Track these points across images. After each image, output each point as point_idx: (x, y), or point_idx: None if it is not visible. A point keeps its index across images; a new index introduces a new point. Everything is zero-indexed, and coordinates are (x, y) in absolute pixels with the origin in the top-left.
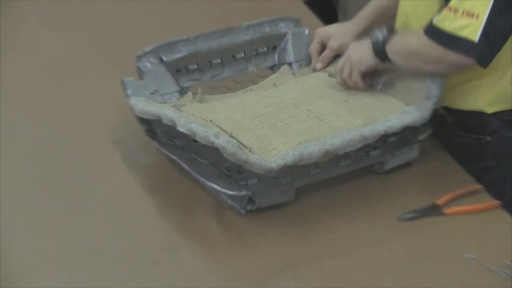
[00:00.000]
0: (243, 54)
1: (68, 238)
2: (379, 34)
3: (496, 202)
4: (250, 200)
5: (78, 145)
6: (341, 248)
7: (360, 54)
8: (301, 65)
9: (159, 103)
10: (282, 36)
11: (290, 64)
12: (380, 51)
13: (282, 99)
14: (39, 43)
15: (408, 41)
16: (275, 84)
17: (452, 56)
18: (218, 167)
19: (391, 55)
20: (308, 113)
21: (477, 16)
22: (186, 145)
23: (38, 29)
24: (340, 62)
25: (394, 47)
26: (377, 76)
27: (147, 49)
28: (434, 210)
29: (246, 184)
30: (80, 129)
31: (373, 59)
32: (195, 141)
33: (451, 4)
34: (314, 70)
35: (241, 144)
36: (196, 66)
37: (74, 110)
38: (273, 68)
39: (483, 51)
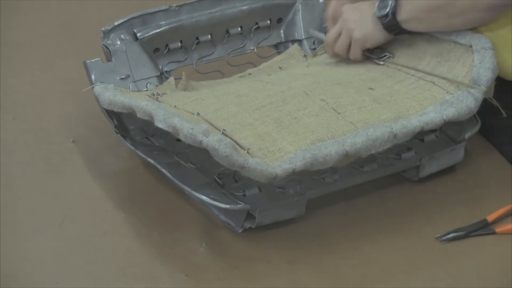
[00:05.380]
0: (239, 29)
1: (13, 268)
2: (384, 3)
3: None
4: (249, 216)
5: (27, 146)
6: (365, 278)
7: (365, 29)
8: (314, 43)
9: (132, 91)
10: (290, 6)
11: (299, 42)
12: (392, 25)
13: (290, 87)
14: None
15: None
16: (280, 68)
17: None
18: (208, 174)
19: (406, 25)
20: (322, 104)
21: None
22: (167, 145)
23: None
24: (334, 30)
25: (408, 12)
26: (377, 49)
27: (117, 22)
28: (483, 228)
29: (244, 195)
30: (30, 124)
31: (382, 35)
32: (179, 140)
33: None
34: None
35: (237, 144)
36: (179, 44)
37: (22, 100)
38: (278, 47)
39: None
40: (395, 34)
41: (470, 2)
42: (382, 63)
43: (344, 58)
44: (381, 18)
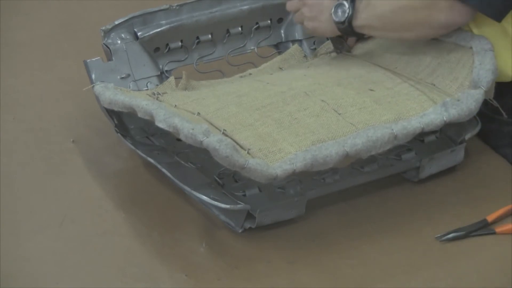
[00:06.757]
0: (240, 29)
1: (13, 268)
2: (341, 10)
3: None
4: (249, 216)
5: (27, 146)
6: (365, 278)
7: (317, 23)
8: (314, 43)
9: (133, 91)
10: None
11: (300, 42)
12: (347, 31)
13: (290, 87)
14: None
15: (379, 6)
16: (281, 68)
17: (442, 13)
18: (208, 174)
19: (360, 30)
20: (323, 105)
21: None
22: (167, 145)
23: None
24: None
25: (363, 20)
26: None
27: (117, 21)
28: (483, 228)
29: (244, 195)
30: (30, 124)
31: (332, 32)
32: (179, 140)
33: None
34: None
35: (238, 144)
36: (179, 43)
37: (23, 100)
38: (279, 47)
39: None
40: (349, 36)
41: (422, 18)
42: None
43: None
44: (337, 23)
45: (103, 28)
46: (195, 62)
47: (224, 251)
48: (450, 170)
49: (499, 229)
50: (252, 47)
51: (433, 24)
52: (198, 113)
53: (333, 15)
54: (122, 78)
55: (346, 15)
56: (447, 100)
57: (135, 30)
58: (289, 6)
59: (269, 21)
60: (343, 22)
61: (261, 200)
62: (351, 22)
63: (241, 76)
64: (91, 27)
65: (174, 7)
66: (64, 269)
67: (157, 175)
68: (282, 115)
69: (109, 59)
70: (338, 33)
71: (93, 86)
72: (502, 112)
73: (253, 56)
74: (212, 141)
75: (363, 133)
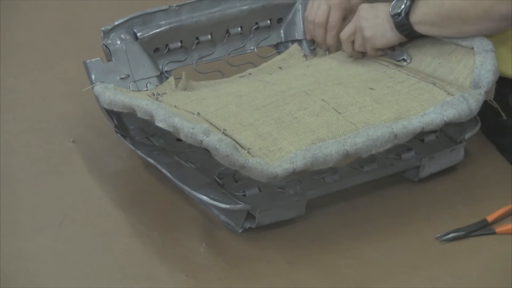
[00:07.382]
0: (239, 29)
1: (13, 268)
2: (400, 2)
3: None
4: (249, 216)
5: (27, 146)
6: (365, 278)
7: (375, 27)
8: (314, 43)
9: (133, 91)
10: (290, 6)
11: (299, 42)
12: (403, 25)
13: (290, 87)
14: None
15: (439, 1)
16: (280, 68)
17: (503, 4)
18: (208, 174)
19: (418, 27)
20: (323, 104)
21: None
22: (167, 145)
23: None
24: (348, 28)
25: (421, 15)
26: (396, 50)
27: (117, 22)
28: (483, 228)
29: (244, 195)
30: (30, 124)
31: (393, 35)
32: (179, 140)
33: None
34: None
35: (238, 143)
36: (179, 44)
37: (23, 100)
38: (279, 47)
39: None
40: (406, 35)
41: (483, 10)
42: (404, 64)
43: (360, 57)
44: (393, 16)
45: (103, 28)
46: (194, 63)
47: (224, 251)
48: (450, 169)
49: (499, 229)
50: (252, 47)
51: (494, 16)
52: (198, 113)
53: (390, 9)
54: (121, 78)
55: (403, 6)
56: (447, 100)
57: (135, 30)
58: (346, 30)
59: (268, 21)
60: (399, 13)
61: (261, 200)
62: (408, 17)
63: (241, 76)
64: (91, 27)
65: (173, 8)
66: (64, 269)
67: (157, 175)
68: (282, 115)
69: (109, 59)
70: (396, 37)
71: (93, 87)
72: (502, 114)
73: (252, 56)
74: (212, 140)
75: (363, 132)
